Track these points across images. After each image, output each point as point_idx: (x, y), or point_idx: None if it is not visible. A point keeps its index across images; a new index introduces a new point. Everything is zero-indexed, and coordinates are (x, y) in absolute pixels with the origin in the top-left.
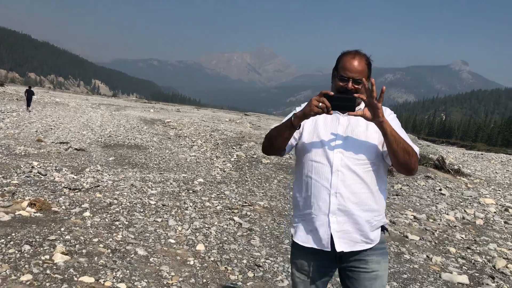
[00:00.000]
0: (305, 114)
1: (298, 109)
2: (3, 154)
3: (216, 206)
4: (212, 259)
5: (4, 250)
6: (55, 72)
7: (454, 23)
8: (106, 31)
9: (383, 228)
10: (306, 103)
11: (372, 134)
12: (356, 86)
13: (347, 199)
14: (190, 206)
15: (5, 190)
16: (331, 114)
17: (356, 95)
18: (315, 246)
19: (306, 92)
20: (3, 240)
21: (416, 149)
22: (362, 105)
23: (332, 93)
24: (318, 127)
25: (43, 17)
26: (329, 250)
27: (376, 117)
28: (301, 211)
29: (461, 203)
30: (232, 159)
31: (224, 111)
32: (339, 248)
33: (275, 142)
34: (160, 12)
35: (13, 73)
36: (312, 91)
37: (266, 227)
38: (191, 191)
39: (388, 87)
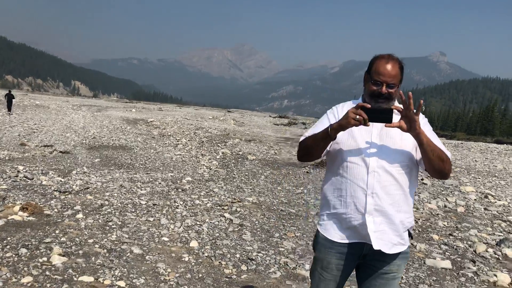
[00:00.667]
0: (342, 126)
1: (331, 116)
2: None
3: (206, 203)
4: (206, 254)
5: (1, 254)
6: (33, 74)
7: (431, 14)
8: (84, 31)
9: (409, 232)
10: (338, 106)
11: (406, 139)
12: (389, 90)
13: (383, 200)
14: (181, 204)
15: None
16: (368, 126)
17: (393, 107)
18: (354, 240)
19: (288, 87)
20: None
21: (449, 154)
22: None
23: (369, 105)
24: (352, 130)
25: (19, 19)
26: (369, 244)
27: (413, 130)
28: (334, 210)
29: (443, 192)
30: (218, 157)
31: (206, 109)
32: (376, 246)
33: (311, 152)
34: (139, 10)
35: None
36: (294, 86)
37: (256, 222)
38: (180, 190)
39: None
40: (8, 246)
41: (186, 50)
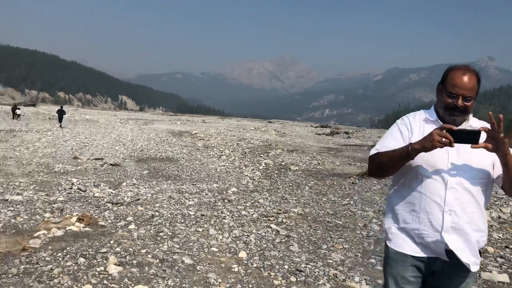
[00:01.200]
0: (426, 148)
1: (403, 128)
2: (44, 173)
3: (252, 214)
4: (255, 265)
5: (62, 263)
6: (83, 90)
7: (477, 17)
8: (130, 48)
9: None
10: (409, 116)
11: (485, 156)
12: (466, 103)
13: (461, 218)
14: (228, 215)
15: (53, 207)
16: (453, 147)
17: (481, 128)
18: (428, 255)
19: (329, 96)
20: (60, 254)
21: None
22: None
23: (455, 127)
24: None
25: (70, 38)
26: (441, 260)
27: (500, 151)
28: (404, 225)
29: (496, 202)
30: (261, 167)
31: (248, 120)
32: (465, 259)
33: (386, 170)
34: (182, 26)
35: (44, 93)
36: (336, 95)
37: (303, 233)
38: (226, 201)
39: (413, 87)
40: (68, 256)
41: (227, 63)
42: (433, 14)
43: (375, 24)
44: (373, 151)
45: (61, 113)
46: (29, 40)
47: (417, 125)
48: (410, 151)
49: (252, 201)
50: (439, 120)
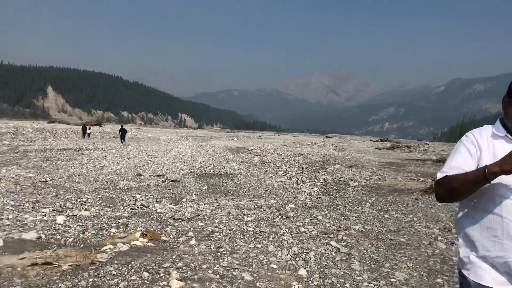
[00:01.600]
0: (505, 172)
1: (471, 147)
2: (109, 189)
3: (311, 231)
4: (315, 283)
5: (127, 277)
6: (145, 109)
7: None
8: (189, 67)
9: None
10: (474, 133)
11: None
12: None
13: None
14: (286, 231)
15: (119, 222)
16: None
17: None
18: None
19: (389, 109)
20: (125, 268)
21: None
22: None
23: None
24: None
25: (132, 60)
26: None
27: None
28: (485, 253)
29: None
30: (319, 183)
31: (304, 135)
32: None
33: (459, 195)
34: (237, 46)
35: (109, 113)
36: (395, 108)
37: (365, 251)
38: (284, 217)
39: (478, 98)
40: (132, 270)
41: (283, 79)
42: (498, 19)
43: (435, 33)
44: (440, 175)
45: (122, 131)
46: (95, 64)
47: (484, 141)
48: (487, 174)
49: (310, 218)
50: (509, 136)
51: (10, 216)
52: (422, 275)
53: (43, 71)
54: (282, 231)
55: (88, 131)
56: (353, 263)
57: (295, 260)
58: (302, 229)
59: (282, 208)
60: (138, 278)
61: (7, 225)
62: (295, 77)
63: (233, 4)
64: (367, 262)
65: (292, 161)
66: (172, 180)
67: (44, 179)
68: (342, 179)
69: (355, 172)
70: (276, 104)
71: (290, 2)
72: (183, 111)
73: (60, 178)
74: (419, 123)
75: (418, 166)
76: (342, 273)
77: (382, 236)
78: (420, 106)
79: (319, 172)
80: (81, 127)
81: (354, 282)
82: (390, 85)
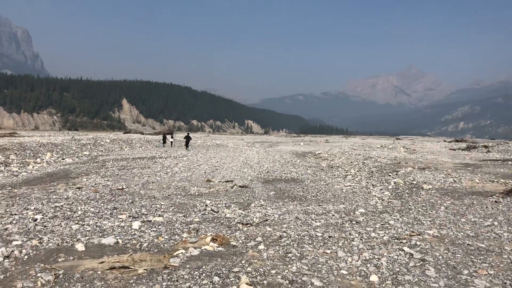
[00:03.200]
0: None
1: None
2: (181, 195)
3: (382, 236)
4: None
5: (199, 281)
6: (213, 117)
7: None
8: (254, 75)
9: None
10: None
11: None
12: None
13: None
14: (356, 237)
15: (190, 227)
16: None
17: None
18: None
19: (464, 108)
20: (197, 272)
21: None
22: None
23: None
24: None
25: (200, 71)
26: None
27: None
28: None
29: None
30: (390, 187)
31: (373, 137)
32: None
33: None
34: (300, 51)
35: (179, 122)
36: (471, 106)
37: (440, 257)
38: (354, 222)
39: None
40: (203, 274)
41: (349, 81)
42: None
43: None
44: None
45: (187, 138)
46: (166, 75)
47: None
48: None
49: (382, 223)
50: None
51: (90, 222)
52: (505, 283)
53: (118, 84)
54: (352, 237)
55: (170, 140)
56: (428, 270)
57: (366, 266)
58: (373, 234)
59: (351, 213)
60: (209, 282)
61: (87, 230)
62: (362, 78)
63: (292, 10)
64: (443, 268)
65: (361, 164)
66: (240, 186)
67: (121, 187)
68: (414, 182)
69: (428, 174)
70: (343, 107)
71: (353, 2)
72: (249, 118)
73: (135, 185)
74: (497, 121)
75: (497, 167)
76: (416, 279)
77: (459, 241)
78: (497, 104)
79: (390, 175)
80: (161, 136)
81: None
82: (464, 83)
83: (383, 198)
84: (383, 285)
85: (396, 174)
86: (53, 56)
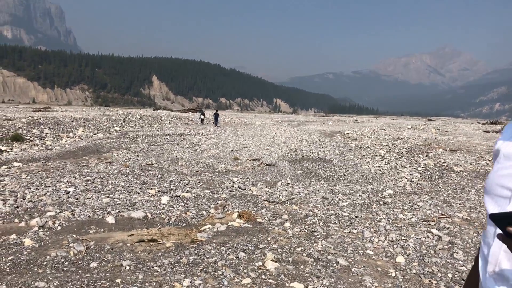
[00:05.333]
0: None
1: None
2: (209, 172)
3: (410, 218)
4: (414, 271)
5: (225, 256)
6: (241, 95)
7: None
8: (284, 52)
9: None
10: None
11: None
12: None
13: None
14: (383, 218)
15: (217, 203)
16: None
17: None
18: None
19: (500, 89)
20: (223, 248)
21: None
22: None
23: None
24: None
25: (229, 48)
26: None
27: None
28: None
29: None
30: (420, 168)
31: (404, 118)
32: None
33: None
34: (332, 28)
35: (208, 100)
36: (508, 87)
37: (469, 240)
38: (381, 203)
39: None
40: (230, 250)
41: (381, 59)
42: None
43: None
44: None
45: (216, 116)
46: (195, 53)
47: None
48: None
49: (410, 204)
50: None
51: (121, 196)
52: None
53: (148, 61)
54: (378, 217)
55: (201, 117)
56: (456, 253)
57: (393, 247)
58: (401, 215)
59: (379, 194)
60: (235, 258)
61: (118, 204)
62: (394, 57)
63: None
64: (472, 252)
65: (390, 145)
66: (267, 164)
67: (150, 162)
68: (445, 164)
69: (460, 156)
70: (374, 86)
71: None
72: (278, 96)
73: (164, 161)
74: None
75: None
76: (444, 262)
77: None
78: None
79: (420, 157)
80: (200, 113)
81: (457, 273)
82: (502, 63)
83: (412, 179)
84: (410, 266)
85: (427, 156)
86: (85, 32)
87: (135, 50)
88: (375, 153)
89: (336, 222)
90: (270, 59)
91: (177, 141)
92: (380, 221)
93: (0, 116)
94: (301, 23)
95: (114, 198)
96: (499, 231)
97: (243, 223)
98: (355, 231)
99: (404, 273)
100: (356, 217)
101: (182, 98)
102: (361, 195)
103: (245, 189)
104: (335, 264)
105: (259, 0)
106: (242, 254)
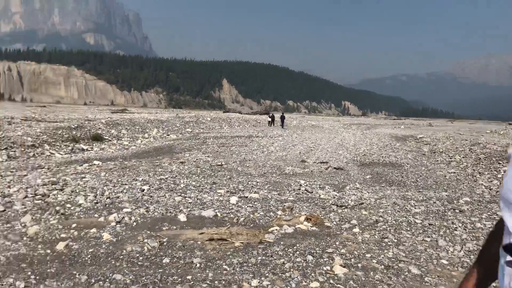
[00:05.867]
0: None
1: None
2: (276, 174)
3: (489, 227)
4: (494, 284)
5: (293, 259)
6: (309, 98)
7: None
8: (353, 54)
9: None
10: None
11: None
12: None
13: None
14: (459, 226)
15: (284, 205)
16: None
17: None
18: None
19: None
20: (290, 250)
21: None
22: None
23: None
24: None
25: (298, 51)
26: None
27: None
28: None
29: None
30: (500, 176)
31: (483, 122)
32: None
33: None
34: (405, 27)
35: (276, 102)
36: None
37: None
38: (457, 211)
39: None
40: (297, 252)
41: (458, 60)
42: None
43: None
44: None
45: (282, 118)
46: (264, 56)
47: None
48: None
49: (489, 213)
50: None
51: (192, 195)
52: None
53: (219, 65)
54: (454, 226)
55: (268, 119)
56: None
57: (469, 257)
58: (478, 224)
59: (454, 201)
60: (302, 261)
61: (189, 202)
62: (472, 58)
63: None
64: None
65: (467, 150)
66: (335, 168)
67: (220, 163)
68: None
69: None
70: (449, 89)
71: None
72: (346, 99)
73: (233, 162)
74: None
75: None
76: None
77: None
78: None
79: (500, 163)
80: (268, 115)
81: None
82: None
83: (491, 187)
84: None
85: (507, 162)
86: (160, 37)
87: (206, 54)
88: (450, 158)
89: (408, 229)
90: (339, 61)
91: (246, 143)
92: (456, 230)
93: (82, 117)
94: (373, 23)
95: (186, 197)
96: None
97: (311, 226)
98: (428, 239)
99: None
100: (429, 224)
101: (251, 100)
102: (435, 202)
103: (312, 192)
104: (406, 273)
105: (329, 4)
106: (309, 257)
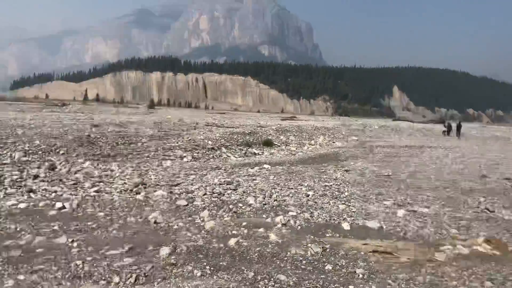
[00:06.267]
0: None
1: None
2: (450, 189)
3: None
4: None
5: (467, 283)
6: (494, 106)
7: None
8: None
9: None
10: None
11: None
12: None
13: None
14: None
15: (459, 224)
16: None
17: None
18: None
19: None
20: (465, 273)
21: None
22: None
23: None
24: None
25: (480, 54)
26: None
27: None
28: None
29: None
30: None
31: None
32: None
33: None
34: None
35: (452, 110)
36: None
37: None
38: None
39: None
40: (473, 276)
41: None
42: None
43: None
44: None
45: (459, 127)
46: (439, 61)
47: None
48: None
49: None
50: None
51: (356, 204)
52: None
53: (389, 71)
54: None
55: (443, 129)
56: None
57: None
58: None
59: None
60: (479, 286)
61: (353, 211)
62: None
63: None
64: None
65: None
66: None
67: (386, 173)
68: None
69: None
70: None
71: None
72: None
73: (401, 173)
74: None
75: None
76: None
77: None
78: None
79: None
80: (444, 124)
81: None
82: None
83: None
84: None
85: None
86: (330, 46)
87: (376, 60)
88: None
89: None
90: None
91: (416, 153)
92: None
93: (255, 124)
94: None
95: (350, 205)
96: None
97: (490, 249)
98: None
99: None
100: None
101: (424, 108)
102: None
103: (494, 211)
104: None
105: None
106: (488, 283)
